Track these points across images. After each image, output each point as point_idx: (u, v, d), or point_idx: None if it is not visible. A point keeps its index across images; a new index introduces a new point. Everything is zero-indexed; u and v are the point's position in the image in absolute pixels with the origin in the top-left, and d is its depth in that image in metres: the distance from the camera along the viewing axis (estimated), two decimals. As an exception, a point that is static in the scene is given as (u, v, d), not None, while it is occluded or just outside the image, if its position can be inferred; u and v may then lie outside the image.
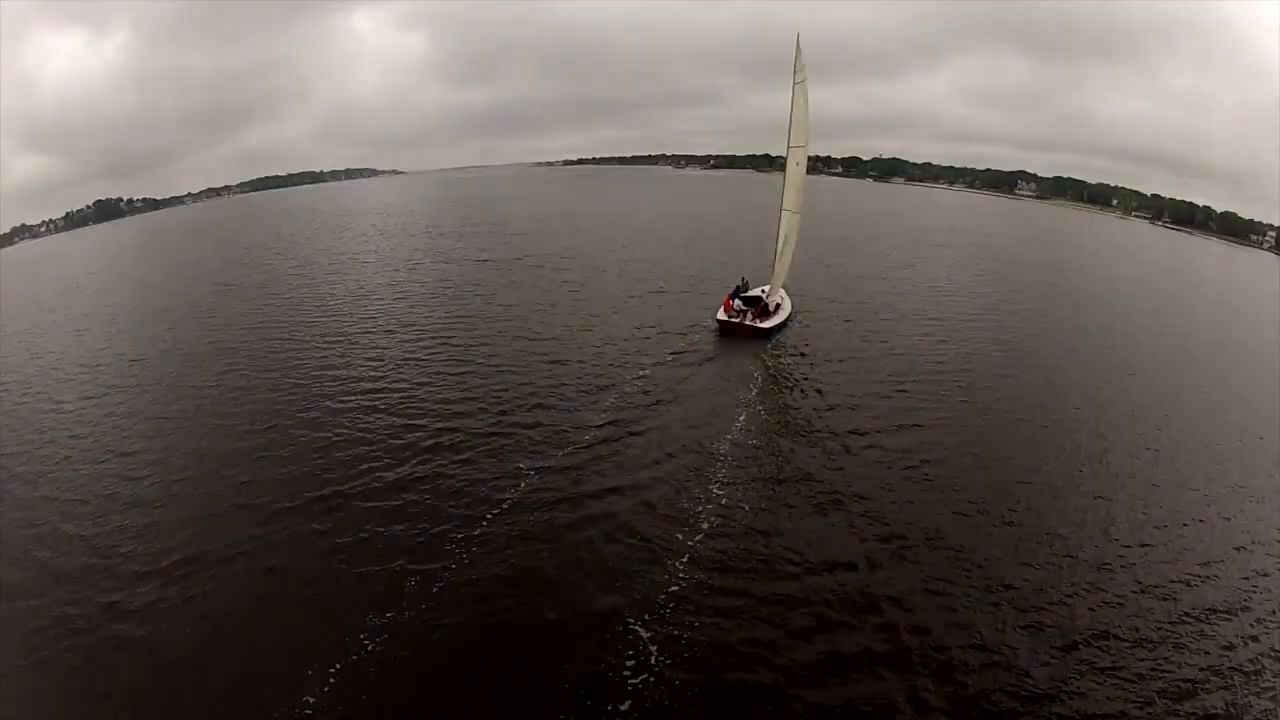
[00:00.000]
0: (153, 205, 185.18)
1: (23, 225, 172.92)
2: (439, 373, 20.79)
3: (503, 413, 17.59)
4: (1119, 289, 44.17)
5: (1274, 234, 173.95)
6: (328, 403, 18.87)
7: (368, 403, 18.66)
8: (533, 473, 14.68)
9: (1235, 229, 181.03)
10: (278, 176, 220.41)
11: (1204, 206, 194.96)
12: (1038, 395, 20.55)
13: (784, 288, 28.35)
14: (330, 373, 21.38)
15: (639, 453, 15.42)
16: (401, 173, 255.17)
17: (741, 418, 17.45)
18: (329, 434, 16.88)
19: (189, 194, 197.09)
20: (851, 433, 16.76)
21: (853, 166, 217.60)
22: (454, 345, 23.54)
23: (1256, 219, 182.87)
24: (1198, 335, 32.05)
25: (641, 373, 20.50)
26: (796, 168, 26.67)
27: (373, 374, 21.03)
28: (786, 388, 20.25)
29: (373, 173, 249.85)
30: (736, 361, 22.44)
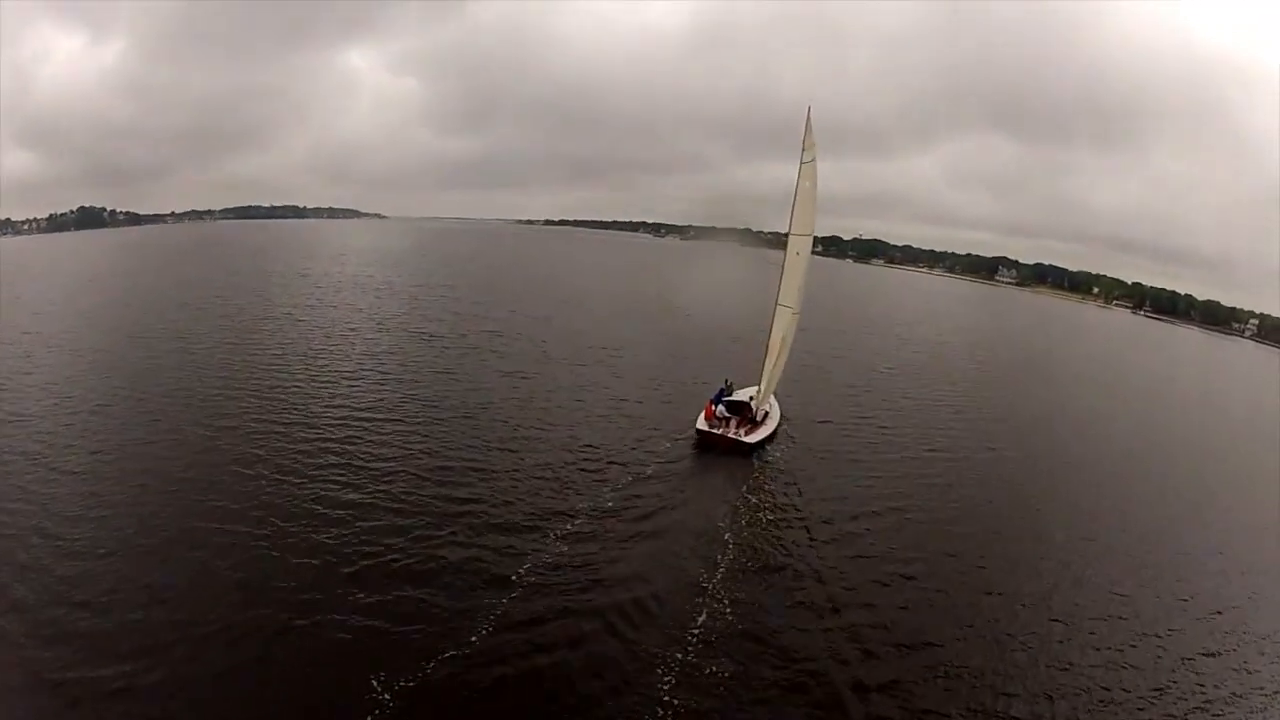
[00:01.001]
0: (134, 220, 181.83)
1: (7, 220, 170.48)
2: (307, 504, 15.54)
3: (362, 589, 12.30)
4: (1124, 395, 41.97)
5: (1255, 322, 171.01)
6: (170, 539, 13.78)
7: (203, 545, 13.53)
8: (386, 701, 9.58)
9: (1217, 318, 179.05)
10: (260, 207, 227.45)
11: (1185, 295, 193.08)
12: (1057, 569, 15.67)
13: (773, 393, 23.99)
14: (185, 488, 16.24)
15: (542, 683, 10.24)
16: (384, 217, 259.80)
17: (701, 617, 12.21)
18: (135, 578, 12.33)
19: (171, 213, 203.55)
20: (863, 647, 11.74)
21: (833, 245, 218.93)
22: (346, 460, 18.14)
23: (1238, 306, 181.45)
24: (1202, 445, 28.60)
25: (575, 525, 15.21)
26: (798, 258, 22.45)
27: (238, 492, 15.93)
28: (770, 549, 15.09)
29: (355, 214, 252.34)
30: (709, 498, 17.61)
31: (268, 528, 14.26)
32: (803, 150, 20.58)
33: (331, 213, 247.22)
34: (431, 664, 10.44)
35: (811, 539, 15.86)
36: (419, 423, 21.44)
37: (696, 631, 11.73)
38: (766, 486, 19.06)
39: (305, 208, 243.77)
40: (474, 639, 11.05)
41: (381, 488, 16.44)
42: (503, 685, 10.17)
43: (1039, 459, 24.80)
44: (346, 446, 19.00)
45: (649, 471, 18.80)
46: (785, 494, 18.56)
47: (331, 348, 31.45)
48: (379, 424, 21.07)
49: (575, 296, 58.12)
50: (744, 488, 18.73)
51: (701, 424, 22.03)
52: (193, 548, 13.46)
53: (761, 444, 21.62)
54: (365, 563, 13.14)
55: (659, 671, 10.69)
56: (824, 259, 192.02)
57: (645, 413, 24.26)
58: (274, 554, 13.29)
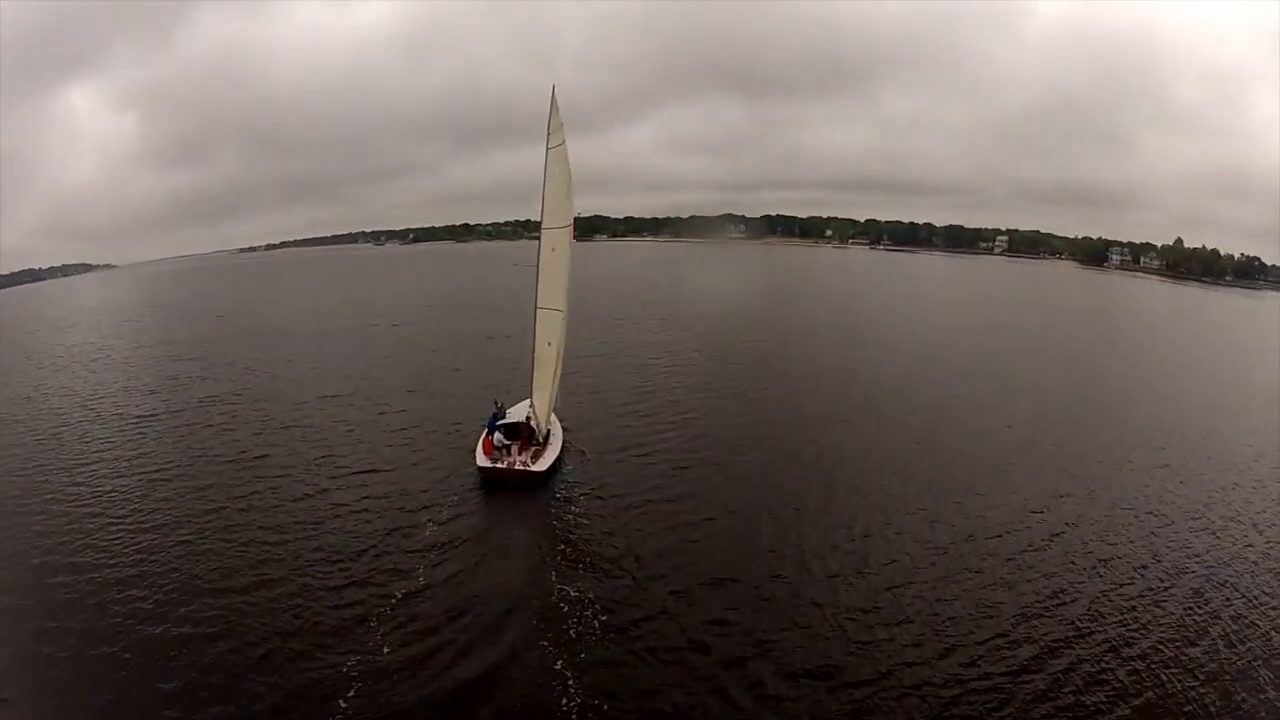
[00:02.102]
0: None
1: None
2: None
3: None
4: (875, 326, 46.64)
5: (1004, 239, 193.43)
6: None
7: None
8: None
9: (963, 240, 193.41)
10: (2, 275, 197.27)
11: (925, 224, 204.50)
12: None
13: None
14: None
15: None
16: (115, 266, 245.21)
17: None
18: None
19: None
20: None
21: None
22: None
23: (984, 226, 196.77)
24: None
25: (351, 696, 10.50)
26: (554, 254, 19.92)
27: None
28: (612, 614, 12.58)
29: (87, 268, 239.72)
30: (516, 566, 14.50)
31: None
32: (549, 134, 17.91)
33: (65, 270, 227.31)
34: None
35: (649, 575, 14.00)
36: (122, 563, 14.27)
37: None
38: (575, 523, 16.53)
39: (41, 269, 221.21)
40: None
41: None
42: None
43: (826, 417, 25.75)
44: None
45: (430, 542, 14.96)
46: (599, 526, 16.26)
47: (40, 456, 21.70)
48: (83, 573, 13.76)
49: (289, 331, 47.15)
50: (552, 534, 16.10)
51: (482, 460, 18.78)
52: None
53: (553, 469, 19.07)
54: None
55: None
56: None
57: (404, 476, 19.22)
58: None
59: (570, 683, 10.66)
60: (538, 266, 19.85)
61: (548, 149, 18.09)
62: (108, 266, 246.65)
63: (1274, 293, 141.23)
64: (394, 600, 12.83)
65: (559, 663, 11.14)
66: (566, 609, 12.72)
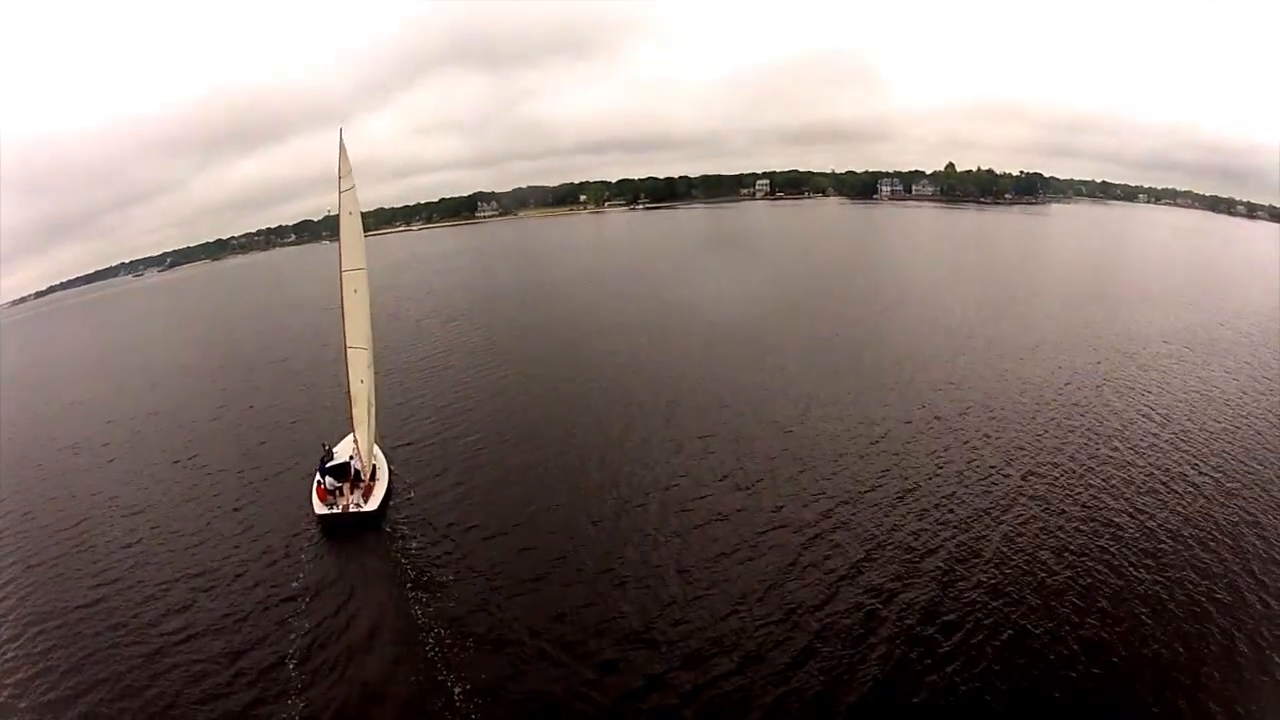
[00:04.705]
0: None
1: None
2: None
3: None
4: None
5: (765, 184, 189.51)
6: None
7: None
8: None
9: (723, 188, 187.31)
10: None
11: (681, 177, 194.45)
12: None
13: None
14: None
15: None
16: None
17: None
18: None
19: None
20: None
21: (305, 230, 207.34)
22: None
23: (743, 172, 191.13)
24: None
25: None
26: (355, 296, 20.11)
27: None
28: (473, 637, 13.90)
29: None
30: (372, 624, 14.77)
31: None
32: (339, 178, 18.20)
33: None
34: None
35: (492, 586, 15.50)
36: None
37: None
38: (415, 552, 17.22)
39: None
40: None
41: None
42: None
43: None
44: None
45: (289, 595, 15.26)
46: (435, 550, 17.19)
47: None
48: None
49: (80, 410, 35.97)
50: (397, 566, 16.68)
51: (319, 508, 18.88)
52: None
53: (384, 504, 19.34)
54: None
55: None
56: (297, 248, 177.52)
57: (244, 538, 18.54)
58: None
59: (455, 691, 12.00)
60: (342, 309, 19.93)
61: (340, 192, 18.37)
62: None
63: (1058, 205, 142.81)
64: (281, 656, 13.34)
65: (439, 675, 12.34)
66: (433, 632, 13.91)
